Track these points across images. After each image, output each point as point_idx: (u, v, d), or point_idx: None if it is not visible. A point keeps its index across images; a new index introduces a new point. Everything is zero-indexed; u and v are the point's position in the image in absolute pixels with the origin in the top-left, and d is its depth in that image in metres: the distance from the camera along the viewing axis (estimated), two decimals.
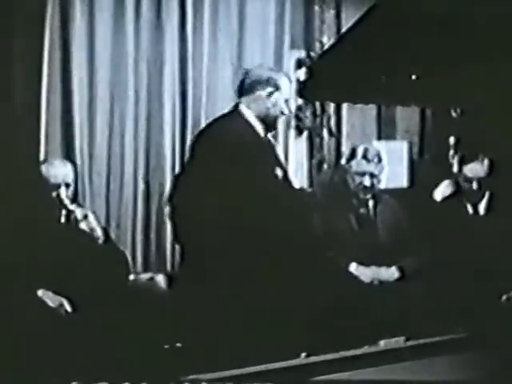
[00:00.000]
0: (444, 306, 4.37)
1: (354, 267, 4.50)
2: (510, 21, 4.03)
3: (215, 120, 4.24)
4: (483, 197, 4.80)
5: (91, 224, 4.25)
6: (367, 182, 4.62)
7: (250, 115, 4.10)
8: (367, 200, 4.65)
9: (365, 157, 4.66)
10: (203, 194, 4.01)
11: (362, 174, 4.62)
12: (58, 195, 4.02)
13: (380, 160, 4.67)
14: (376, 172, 4.63)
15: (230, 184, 4.06)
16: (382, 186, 4.72)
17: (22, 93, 4.61)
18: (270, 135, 4.28)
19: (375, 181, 4.64)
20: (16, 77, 4.56)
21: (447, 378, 3.79)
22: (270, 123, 4.14)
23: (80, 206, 4.25)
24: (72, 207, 4.10)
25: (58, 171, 4.08)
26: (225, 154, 4.00)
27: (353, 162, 4.65)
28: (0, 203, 3.96)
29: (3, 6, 4.42)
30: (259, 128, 4.12)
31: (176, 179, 4.30)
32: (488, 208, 4.80)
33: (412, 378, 3.77)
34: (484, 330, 4.11)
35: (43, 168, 4.09)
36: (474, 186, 4.79)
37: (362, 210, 4.64)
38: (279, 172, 4.25)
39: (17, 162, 4.49)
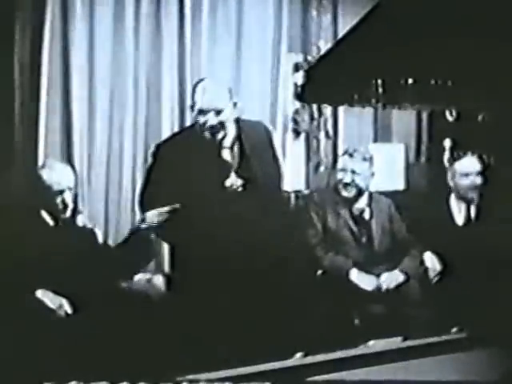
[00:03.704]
0: (441, 307, 4.40)
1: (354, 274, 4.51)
2: (510, 23, 4.06)
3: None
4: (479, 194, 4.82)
5: (90, 226, 4.27)
6: (348, 178, 4.62)
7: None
8: (350, 199, 4.64)
9: (350, 155, 4.66)
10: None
11: (343, 171, 4.63)
12: (63, 200, 4.03)
13: (366, 159, 4.68)
14: (357, 170, 4.61)
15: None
16: (380, 188, 4.73)
17: (21, 94, 4.63)
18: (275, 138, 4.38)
19: (357, 178, 4.62)
20: (16, 79, 4.59)
21: (445, 379, 3.81)
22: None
23: (79, 207, 4.27)
24: (71, 209, 4.11)
25: (61, 177, 4.07)
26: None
27: (338, 160, 4.70)
28: (0, 205, 3.98)
29: (4, 6, 4.45)
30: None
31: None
32: (481, 211, 4.82)
33: (409, 378, 3.79)
34: (484, 329, 4.13)
35: (45, 174, 4.07)
36: (476, 181, 4.79)
37: (358, 212, 4.65)
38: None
39: (16, 164, 4.51)
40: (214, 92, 4.21)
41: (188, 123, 4.94)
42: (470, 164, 4.81)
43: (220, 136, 4.20)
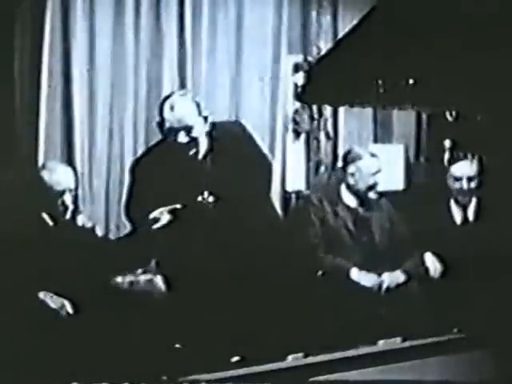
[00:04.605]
0: (441, 307, 4.40)
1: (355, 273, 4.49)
2: (509, 23, 4.07)
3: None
4: (472, 197, 4.83)
5: (90, 225, 4.28)
6: (379, 179, 4.60)
7: None
8: (371, 200, 4.63)
9: (373, 155, 4.64)
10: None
11: (375, 173, 4.59)
12: (64, 201, 4.03)
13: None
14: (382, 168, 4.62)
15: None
16: (379, 188, 4.72)
17: (21, 96, 4.62)
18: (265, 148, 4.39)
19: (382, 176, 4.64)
20: (16, 79, 4.59)
21: (444, 379, 3.82)
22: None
23: (79, 207, 4.28)
24: (72, 210, 4.11)
25: (62, 178, 4.08)
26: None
27: (361, 164, 4.61)
28: (1, 206, 3.98)
29: (4, 6, 4.44)
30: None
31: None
32: (480, 211, 4.83)
33: (409, 378, 3.80)
34: (483, 330, 4.14)
35: (46, 175, 4.08)
36: (464, 185, 4.81)
37: (358, 213, 4.64)
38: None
39: (17, 164, 4.51)
40: (182, 109, 4.19)
41: None
42: (462, 168, 4.84)
43: (192, 152, 4.18)
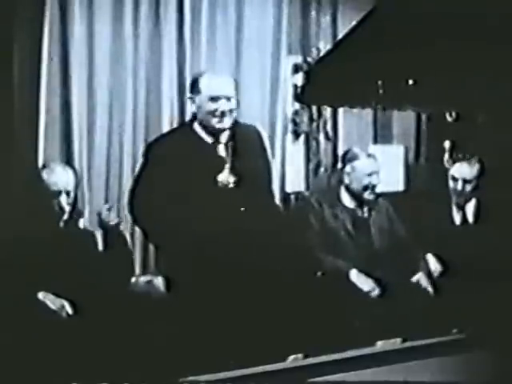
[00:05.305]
0: (441, 308, 4.41)
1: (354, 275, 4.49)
2: (509, 24, 4.07)
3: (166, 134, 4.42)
4: (471, 199, 4.84)
5: (91, 228, 4.28)
6: (376, 180, 4.60)
7: (200, 130, 4.17)
8: (368, 201, 4.62)
9: (370, 156, 4.63)
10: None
11: (370, 174, 4.61)
12: (59, 203, 4.03)
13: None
14: (380, 169, 4.62)
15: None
16: (379, 189, 4.73)
17: (20, 96, 4.62)
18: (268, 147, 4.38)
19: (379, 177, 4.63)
20: (15, 80, 4.59)
21: (445, 379, 3.82)
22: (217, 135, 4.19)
23: (80, 209, 4.28)
24: (69, 212, 4.11)
25: (59, 178, 4.08)
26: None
27: (356, 163, 4.62)
28: (1, 207, 3.98)
29: (3, 7, 4.45)
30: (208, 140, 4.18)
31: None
32: (479, 212, 4.83)
33: (409, 379, 3.80)
34: (483, 331, 4.14)
35: (44, 175, 4.08)
36: (459, 187, 4.82)
37: (358, 214, 4.64)
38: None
39: (17, 165, 4.51)
40: (222, 80, 4.20)
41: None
42: (459, 170, 4.85)
43: (227, 125, 4.16)
